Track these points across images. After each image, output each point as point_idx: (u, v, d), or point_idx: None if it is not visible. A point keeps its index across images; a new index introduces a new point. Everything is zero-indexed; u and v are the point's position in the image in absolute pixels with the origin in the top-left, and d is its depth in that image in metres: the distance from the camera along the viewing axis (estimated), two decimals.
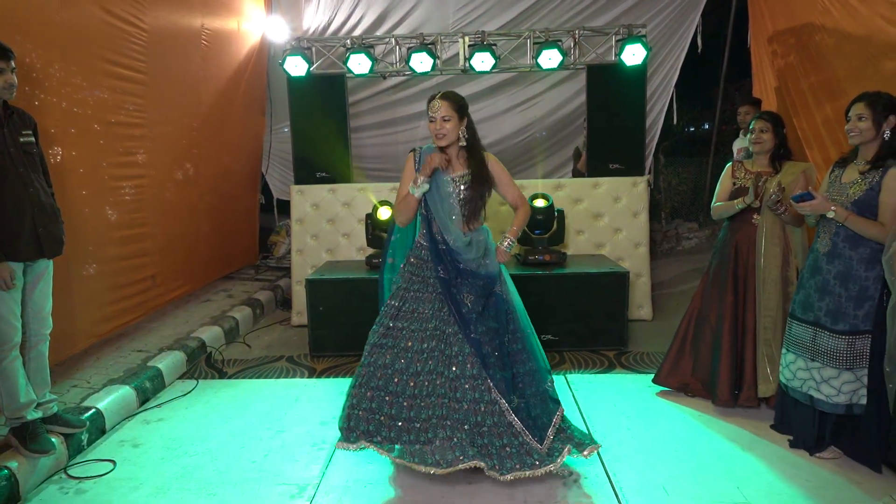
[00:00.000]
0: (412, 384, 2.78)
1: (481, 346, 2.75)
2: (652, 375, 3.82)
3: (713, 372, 3.48)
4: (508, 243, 2.89)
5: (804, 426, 2.98)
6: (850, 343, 2.75)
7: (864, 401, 2.76)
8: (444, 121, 2.75)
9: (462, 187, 2.83)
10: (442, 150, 2.83)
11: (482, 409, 2.71)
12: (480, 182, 2.83)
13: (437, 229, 2.85)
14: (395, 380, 2.80)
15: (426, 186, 2.78)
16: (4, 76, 2.68)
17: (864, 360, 2.75)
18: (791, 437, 3.07)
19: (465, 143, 2.83)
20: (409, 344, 2.81)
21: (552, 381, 3.02)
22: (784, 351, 3.05)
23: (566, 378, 4.01)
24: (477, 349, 2.73)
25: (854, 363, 2.76)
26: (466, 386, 2.73)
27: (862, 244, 2.73)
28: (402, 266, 2.97)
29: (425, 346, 2.80)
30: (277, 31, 6.47)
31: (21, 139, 2.81)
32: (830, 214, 2.75)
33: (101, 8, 3.98)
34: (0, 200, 2.72)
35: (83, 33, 3.83)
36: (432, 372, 2.78)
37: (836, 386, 2.79)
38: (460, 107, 2.81)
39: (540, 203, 4.76)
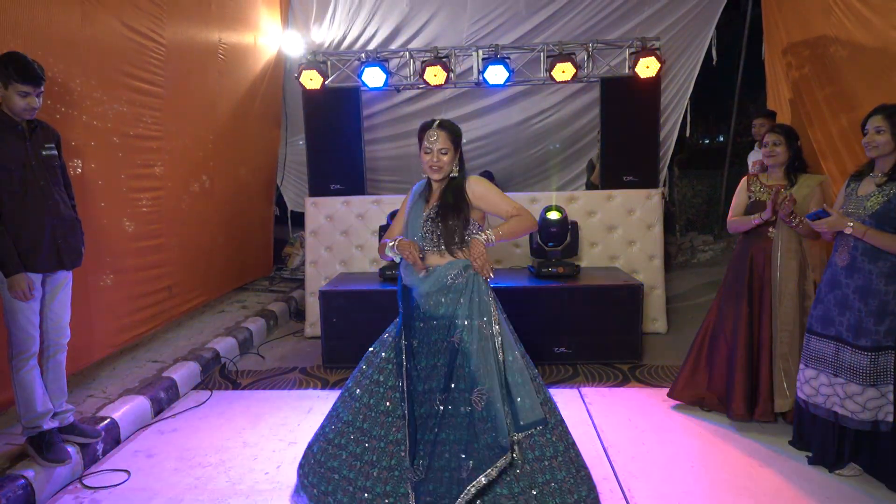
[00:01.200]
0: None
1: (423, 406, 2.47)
2: (667, 389, 3.79)
3: (729, 386, 3.44)
4: (487, 237, 2.49)
5: (824, 442, 2.93)
6: (874, 359, 2.71)
7: (890, 418, 2.71)
8: (442, 153, 2.53)
9: (431, 219, 2.56)
10: (429, 184, 2.64)
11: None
12: (446, 210, 2.53)
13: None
14: (353, 437, 2.61)
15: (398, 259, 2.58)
16: (28, 99, 2.74)
17: (888, 376, 2.71)
18: (810, 454, 3.02)
19: (455, 174, 2.59)
20: (360, 393, 2.63)
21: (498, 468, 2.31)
22: (803, 366, 3.00)
23: (580, 391, 3.98)
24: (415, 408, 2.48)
25: (878, 379, 2.71)
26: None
27: (881, 258, 2.69)
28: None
29: (371, 400, 2.61)
30: (293, 45, 6.55)
31: (43, 152, 2.87)
32: (848, 230, 2.71)
33: (122, 23, 4.06)
34: (20, 212, 2.77)
35: (104, 48, 3.91)
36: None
37: (860, 402, 2.75)
38: (457, 138, 2.58)
39: (554, 215, 4.76)
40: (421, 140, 2.57)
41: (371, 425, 2.54)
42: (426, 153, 2.54)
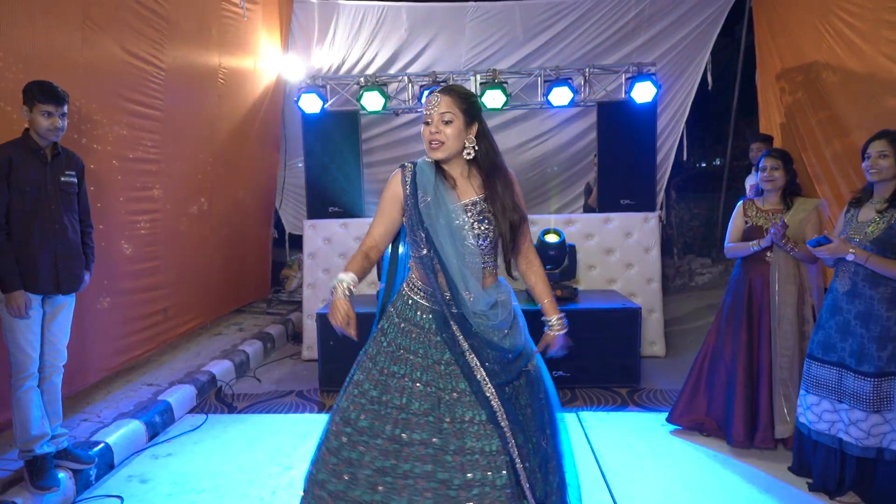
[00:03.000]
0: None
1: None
2: (665, 414, 3.77)
3: (728, 411, 3.42)
4: (560, 323, 2.18)
5: (826, 469, 2.90)
6: (877, 385, 2.69)
7: (895, 446, 2.69)
8: (444, 122, 1.94)
9: (479, 219, 2.00)
10: (438, 165, 2.03)
11: None
12: (503, 206, 1.99)
13: (444, 282, 1.98)
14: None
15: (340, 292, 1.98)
16: (52, 119, 2.82)
17: (892, 402, 2.69)
18: (810, 480, 2.99)
19: (471, 155, 2.01)
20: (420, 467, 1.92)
21: None
22: (804, 392, 2.98)
23: (578, 415, 3.95)
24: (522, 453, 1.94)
25: (882, 406, 2.69)
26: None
27: (883, 283, 2.69)
28: (382, 326, 2.13)
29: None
30: (293, 69, 6.62)
31: (62, 178, 2.94)
32: (850, 257, 2.71)
33: (122, 48, 4.10)
34: (27, 232, 2.82)
35: (103, 72, 3.95)
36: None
37: (864, 429, 2.72)
38: (469, 105, 1.98)
39: (552, 238, 4.76)
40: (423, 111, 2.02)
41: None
42: (426, 123, 1.98)
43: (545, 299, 2.19)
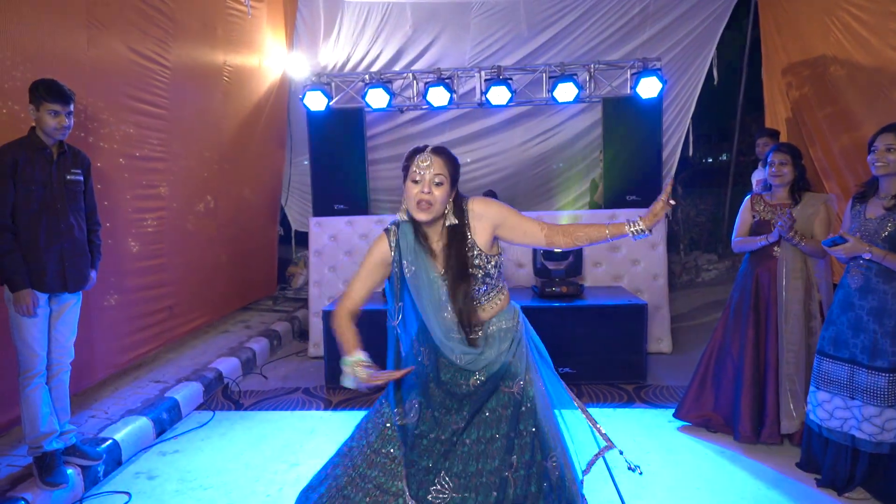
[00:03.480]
0: None
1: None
2: (672, 410, 3.75)
3: (735, 407, 3.40)
4: (637, 227, 1.96)
5: (836, 465, 2.88)
6: (891, 380, 2.67)
7: None
8: (436, 184, 1.93)
9: (450, 289, 2.00)
10: (416, 227, 2.02)
11: None
12: (460, 276, 1.98)
13: (441, 355, 2.04)
14: None
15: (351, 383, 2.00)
16: (59, 118, 2.83)
17: None
18: (819, 476, 2.98)
19: (455, 222, 1.99)
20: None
21: None
22: (813, 389, 2.96)
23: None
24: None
25: None
26: None
27: None
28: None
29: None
30: (298, 67, 6.62)
31: (68, 176, 2.95)
32: (867, 255, 2.69)
33: (127, 47, 4.11)
34: (34, 231, 2.83)
35: (109, 71, 3.96)
36: None
37: (879, 424, 2.70)
38: (456, 170, 1.99)
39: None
40: (407, 169, 1.97)
41: None
42: (414, 182, 1.94)
43: (605, 230, 2.00)
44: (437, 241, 2.04)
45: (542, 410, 2.04)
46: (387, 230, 2.07)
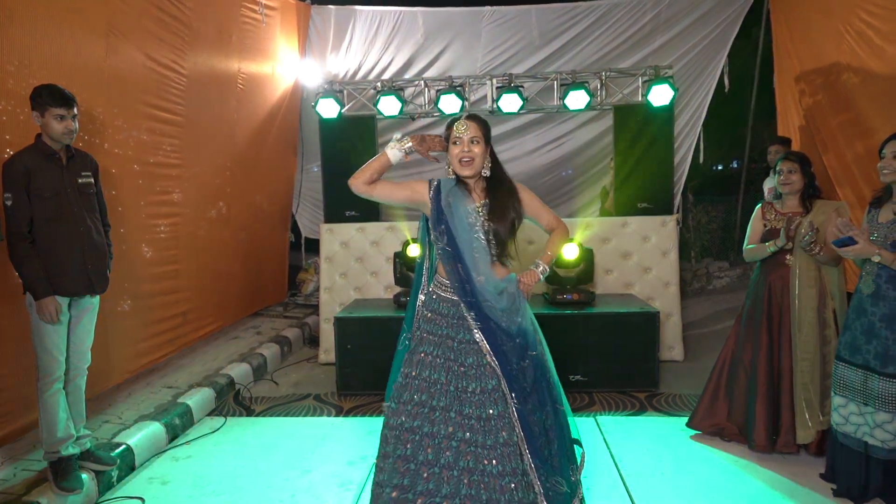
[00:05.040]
0: (445, 476, 2.30)
1: (527, 418, 2.31)
2: (685, 418, 3.73)
3: (749, 416, 3.38)
4: (544, 269, 2.49)
5: (851, 474, 2.86)
6: None
7: None
8: (473, 143, 2.35)
9: (483, 218, 2.41)
10: (462, 182, 2.43)
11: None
12: (504, 210, 2.41)
13: (463, 270, 2.37)
14: (424, 475, 2.31)
15: (399, 154, 2.41)
16: (65, 122, 2.84)
17: None
18: (835, 486, 2.95)
19: (488, 174, 2.43)
20: (434, 428, 2.33)
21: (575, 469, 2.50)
22: (833, 394, 2.94)
23: (596, 420, 3.93)
24: (523, 420, 2.29)
25: None
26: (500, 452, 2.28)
27: None
28: (413, 325, 2.53)
29: (449, 429, 2.33)
30: (310, 75, 6.68)
31: (80, 180, 2.97)
32: (876, 258, 2.68)
33: (145, 55, 4.16)
34: (52, 237, 2.85)
35: (126, 78, 4.01)
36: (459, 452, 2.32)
37: (891, 431, 2.68)
38: (488, 131, 2.43)
39: (570, 250, 4.74)
40: (449, 135, 2.40)
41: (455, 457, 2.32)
42: (455, 144, 2.37)
43: (545, 255, 2.56)
44: (473, 184, 2.44)
45: (550, 366, 2.51)
46: (430, 180, 2.47)
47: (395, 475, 2.31)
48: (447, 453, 2.29)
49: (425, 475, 2.29)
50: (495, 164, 2.46)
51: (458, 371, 2.36)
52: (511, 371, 2.33)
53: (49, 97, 2.80)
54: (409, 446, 2.32)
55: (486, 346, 2.33)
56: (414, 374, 2.39)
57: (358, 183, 2.40)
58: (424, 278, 2.55)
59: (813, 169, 3.33)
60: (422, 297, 2.53)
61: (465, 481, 2.27)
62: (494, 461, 2.26)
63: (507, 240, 2.43)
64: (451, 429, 2.31)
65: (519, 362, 2.37)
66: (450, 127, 2.40)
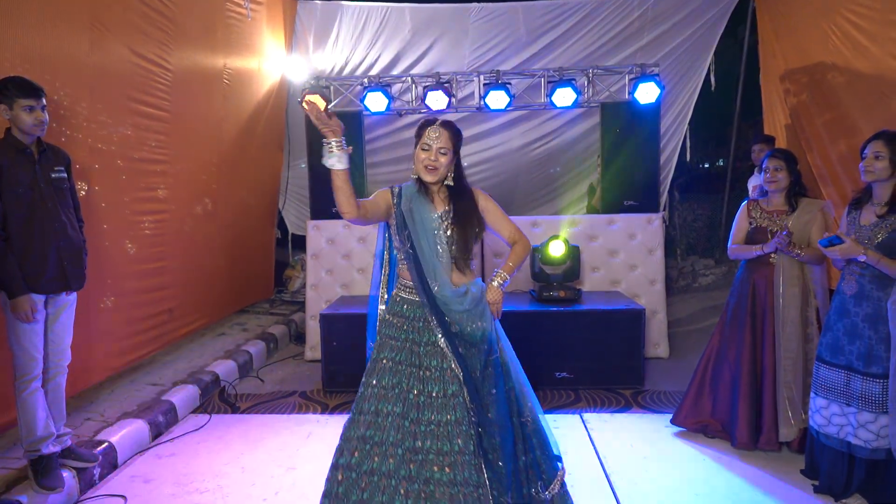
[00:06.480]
0: (382, 485, 2.27)
1: (483, 428, 2.31)
2: (670, 415, 3.76)
3: (732, 414, 3.41)
4: (500, 281, 2.45)
5: (832, 471, 2.89)
6: (885, 386, 2.68)
7: None
8: (441, 153, 2.36)
9: (447, 224, 2.42)
10: (423, 186, 2.44)
11: None
12: (466, 217, 2.43)
13: (426, 273, 2.39)
14: (362, 484, 2.28)
15: (341, 154, 2.18)
16: (35, 114, 2.78)
17: None
18: (816, 483, 2.98)
19: (451, 183, 2.45)
20: (383, 436, 2.31)
21: (561, 478, 2.50)
22: (813, 395, 2.97)
23: (581, 417, 3.95)
24: (476, 429, 2.28)
25: (891, 407, 2.68)
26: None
27: (891, 284, 2.68)
28: (377, 328, 2.55)
29: (398, 436, 2.30)
30: (296, 70, 6.63)
31: (53, 174, 2.90)
32: (862, 258, 2.70)
33: (130, 50, 4.11)
34: (27, 234, 2.79)
35: (111, 73, 3.96)
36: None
37: (874, 430, 2.72)
38: (458, 140, 2.43)
39: (557, 247, 4.76)
40: (419, 137, 2.40)
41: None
42: (424, 150, 2.37)
43: (504, 266, 2.53)
44: (436, 192, 2.48)
45: (514, 374, 2.51)
46: (391, 187, 2.49)
47: (335, 485, 2.33)
48: (390, 461, 2.27)
49: (363, 484, 2.28)
50: (458, 174, 2.48)
51: (421, 375, 2.35)
52: (473, 379, 2.34)
53: (16, 88, 2.73)
54: (356, 454, 2.31)
55: (448, 350, 2.33)
56: (374, 382, 2.38)
57: (347, 215, 2.27)
58: (384, 287, 2.59)
59: (799, 167, 3.36)
60: (382, 306, 2.55)
61: (402, 491, 2.23)
62: (447, 468, 2.23)
63: (470, 246, 2.46)
64: (399, 436, 2.29)
65: (483, 370, 2.39)
66: (422, 129, 2.40)
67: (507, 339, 2.55)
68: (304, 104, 2.10)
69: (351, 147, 2.23)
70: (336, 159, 2.18)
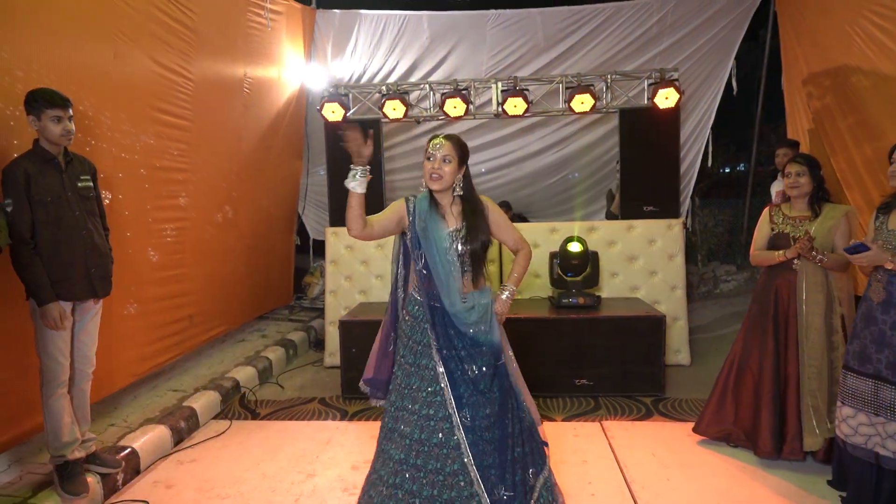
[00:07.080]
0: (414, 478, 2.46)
1: (476, 434, 2.45)
2: (692, 423, 3.71)
3: (755, 422, 3.35)
4: (509, 293, 2.62)
5: (861, 483, 2.82)
6: None
7: None
8: (444, 161, 2.49)
9: (460, 241, 2.53)
10: (432, 197, 2.56)
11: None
12: (477, 233, 2.54)
13: (436, 291, 2.53)
14: (408, 475, 2.46)
15: (363, 181, 2.42)
16: (63, 124, 2.83)
17: None
18: (844, 494, 2.92)
19: (461, 193, 2.56)
20: (409, 430, 2.48)
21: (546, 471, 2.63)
22: (840, 403, 2.90)
23: (602, 424, 3.91)
24: (469, 437, 2.44)
25: None
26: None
27: None
28: (399, 323, 2.70)
29: (422, 435, 2.47)
30: (315, 78, 6.69)
31: (79, 184, 2.96)
32: (889, 265, 2.64)
33: (152, 60, 4.18)
34: (55, 242, 2.84)
35: (134, 83, 4.03)
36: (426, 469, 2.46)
37: None
38: (462, 151, 2.55)
39: (575, 246, 4.73)
40: (426, 150, 2.55)
41: (425, 460, 2.44)
42: (428, 160, 2.52)
43: (510, 277, 2.68)
44: (447, 205, 2.57)
45: (514, 382, 2.63)
46: (406, 198, 2.60)
47: (388, 475, 2.49)
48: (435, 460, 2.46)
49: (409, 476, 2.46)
50: (468, 185, 2.59)
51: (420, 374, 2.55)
52: (466, 379, 2.49)
53: (44, 99, 2.79)
54: (401, 451, 2.48)
55: (445, 379, 2.47)
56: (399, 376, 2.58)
57: (354, 234, 2.47)
58: (401, 291, 2.72)
59: (822, 172, 3.30)
60: (405, 312, 2.65)
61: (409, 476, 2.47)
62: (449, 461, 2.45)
63: (481, 260, 2.58)
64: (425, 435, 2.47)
65: (485, 371, 2.52)
66: (428, 142, 2.55)
67: (510, 348, 2.68)
68: (344, 135, 2.41)
69: (371, 176, 2.44)
70: (358, 184, 2.41)
